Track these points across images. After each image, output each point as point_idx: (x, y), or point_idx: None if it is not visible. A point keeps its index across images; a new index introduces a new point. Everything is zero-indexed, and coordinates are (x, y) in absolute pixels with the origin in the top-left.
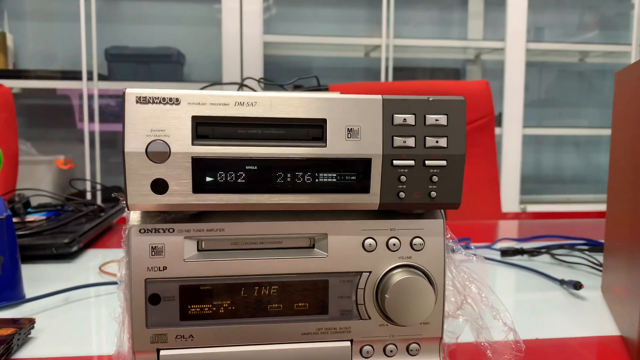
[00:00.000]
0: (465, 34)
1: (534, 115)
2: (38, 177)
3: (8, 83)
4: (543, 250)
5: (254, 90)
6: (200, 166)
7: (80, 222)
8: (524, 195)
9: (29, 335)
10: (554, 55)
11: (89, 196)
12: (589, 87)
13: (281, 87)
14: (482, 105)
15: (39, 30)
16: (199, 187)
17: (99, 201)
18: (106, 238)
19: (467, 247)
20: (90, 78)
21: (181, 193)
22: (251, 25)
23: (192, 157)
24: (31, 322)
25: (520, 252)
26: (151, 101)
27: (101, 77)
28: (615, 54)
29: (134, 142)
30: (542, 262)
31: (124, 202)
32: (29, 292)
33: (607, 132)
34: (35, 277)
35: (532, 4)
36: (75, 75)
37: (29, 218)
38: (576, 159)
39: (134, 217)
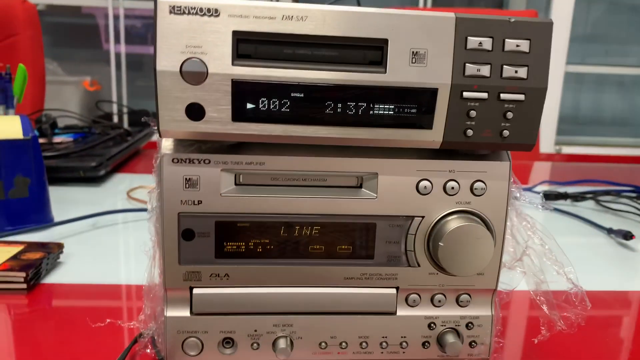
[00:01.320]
0: None
1: (577, 51)
2: (65, 97)
3: None
4: (588, 195)
5: None
6: (241, 90)
7: (108, 146)
8: (560, 136)
9: (57, 260)
10: None
11: (115, 119)
12: None
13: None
14: None
15: None
16: (239, 114)
17: (125, 124)
18: (134, 163)
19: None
20: None
21: (219, 120)
22: None
23: (232, 79)
24: (60, 247)
25: (564, 196)
26: (187, 11)
27: None
28: None
29: (167, 60)
30: (586, 208)
31: (155, 127)
32: (57, 214)
33: None
34: (63, 199)
35: None
36: None
37: (57, 139)
38: (618, 100)
39: (166, 144)
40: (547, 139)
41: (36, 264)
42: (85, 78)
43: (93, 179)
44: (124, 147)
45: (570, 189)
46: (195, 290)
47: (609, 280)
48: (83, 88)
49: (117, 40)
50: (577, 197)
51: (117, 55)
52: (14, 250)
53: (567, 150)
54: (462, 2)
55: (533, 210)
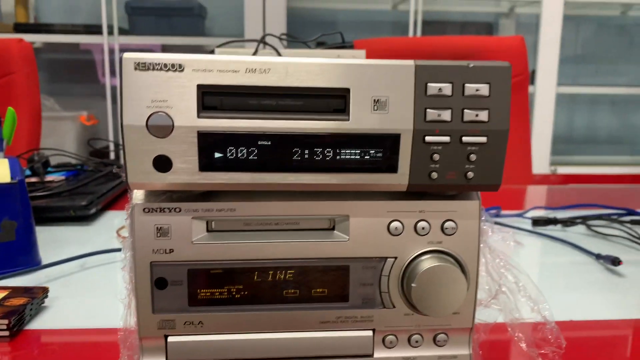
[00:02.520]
0: None
1: (569, 72)
2: (62, 133)
3: (29, 37)
4: (578, 220)
5: (274, 48)
6: (208, 141)
7: (100, 183)
8: (554, 156)
9: (42, 305)
10: (593, 8)
11: (112, 156)
12: (630, 43)
13: (304, 44)
14: (516, 63)
15: None
16: (206, 164)
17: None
18: (126, 199)
19: (496, 215)
20: (111, 32)
21: (186, 171)
22: None
23: (198, 131)
24: (45, 291)
25: (553, 221)
26: (151, 67)
27: (122, 32)
28: None
29: (133, 114)
30: (576, 233)
31: (125, 179)
32: (45, 255)
33: None
34: (53, 239)
35: None
36: (97, 30)
37: (49, 178)
38: (612, 119)
39: (138, 194)
40: (542, 160)
41: (19, 310)
42: (82, 113)
43: (84, 217)
44: (116, 184)
45: (562, 214)
46: (170, 339)
47: (595, 309)
48: (80, 123)
49: (113, 74)
50: (567, 222)
51: (114, 89)
52: None
53: (563, 170)
54: (454, 30)
55: (522, 236)
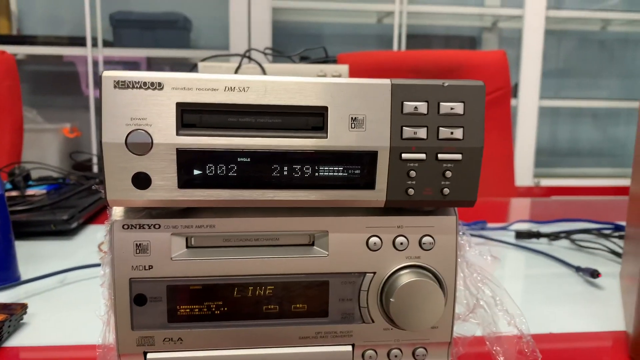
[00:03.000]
0: (482, 0)
1: (552, 85)
2: (44, 145)
3: (11, 49)
4: (562, 234)
5: (258, 63)
6: (186, 159)
7: (82, 197)
8: (538, 169)
9: (21, 321)
10: (574, 23)
11: (95, 169)
12: (610, 57)
13: (288, 59)
14: (498, 77)
15: None
16: (185, 181)
17: None
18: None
19: (482, 228)
20: (95, 44)
21: (165, 188)
22: None
23: (177, 148)
24: (23, 307)
25: (536, 235)
26: (131, 86)
27: (106, 44)
28: (638, 22)
29: (113, 132)
30: (560, 246)
31: (104, 196)
32: (25, 271)
33: (628, 104)
34: (33, 254)
35: None
36: (81, 42)
37: (29, 192)
38: (594, 132)
39: (117, 211)
40: (525, 172)
41: None
42: (65, 125)
43: (65, 232)
44: (98, 198)
45: (547, 228)
46: (149, 355)
47: (573, 321)
48: (62, 135)
49: (97, 85)
50: (551, 236)
51: (97, 101)
52: None
53: (546, 182)
54: (438, 43)
55: (505, 249)
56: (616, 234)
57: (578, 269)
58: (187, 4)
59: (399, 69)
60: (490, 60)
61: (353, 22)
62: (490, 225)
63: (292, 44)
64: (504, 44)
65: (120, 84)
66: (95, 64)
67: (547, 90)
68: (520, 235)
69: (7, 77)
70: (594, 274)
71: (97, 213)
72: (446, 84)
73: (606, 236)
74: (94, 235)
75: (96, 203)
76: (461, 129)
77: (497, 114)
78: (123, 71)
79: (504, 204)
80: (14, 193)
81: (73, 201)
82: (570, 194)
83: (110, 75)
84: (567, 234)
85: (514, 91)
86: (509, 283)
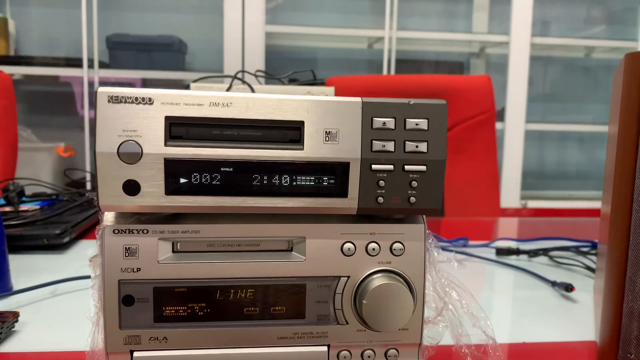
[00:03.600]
0: (470, 27)
1: (538, 110)
2: (38, 164)
3: (9, 69)
4: (540, 252)
5: (249, 84)
6: (173, 168)
7: (75, 212)
8: (525, 191)
9: (12, 329)
10: (559, 50)
11: (88, 186)
12: (594, 83)
13: (278, 81)
14: (483, 100)
15: (40, 16)
16: (172, 189)
17: None
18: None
19: (464, 245)
20: (91, 66)
21: (153, 195)
22: (253, 14)
23: (164, 158)
24: (15, 315)
25: (516, 252)
26: (123, 100)
27: (102, 65)
28: (621, 49)
29: (106, 143)
30: (539, 263)
31: (97, 202)
32: (17, 283)
33: None
34: (26, 267)
35: None
36: (77, 63)
37: (23, 207)
38: (580, 155)
39: (108, 217)
40: (512, 193)
41: None
42: (59, 144)
43: (57, 246)
44: (91, 214)
45: (527, 245)
46: (135, 354)
47: (547, 332)
48: (56, 154)
49: (92, 106)
50: (530, 253)
51: (92, 121)
52: None
53: (533, 204)
54: (428, 68)
55: (485, 265)
56: (593, 251)
57: (554, 284)
58: (183, 27)
59: (387, 93)
60: (476, 85)
61: (344, 47)
62: (472, 242)
63: (285, 67)
64: (492, 69)
65: (114, 99)
66: (91, 84)
67: (533, 115)
68: (500, 252)
69: (3, 96)
70: (568, 287)
71: (89, 229)
72: (412, 102)
73: (584, 253)
74: (86, 250)
75: (89, 218)
76: (425, 143)
77: (482, 136)
78: (117, 87)
79: (488, 223)
80: (7, 208)
81: (66, 217)
82: (557, 216)
83: (105, 90)
84: (545, 251)
85: (500, 115)
86: (487, 296)
